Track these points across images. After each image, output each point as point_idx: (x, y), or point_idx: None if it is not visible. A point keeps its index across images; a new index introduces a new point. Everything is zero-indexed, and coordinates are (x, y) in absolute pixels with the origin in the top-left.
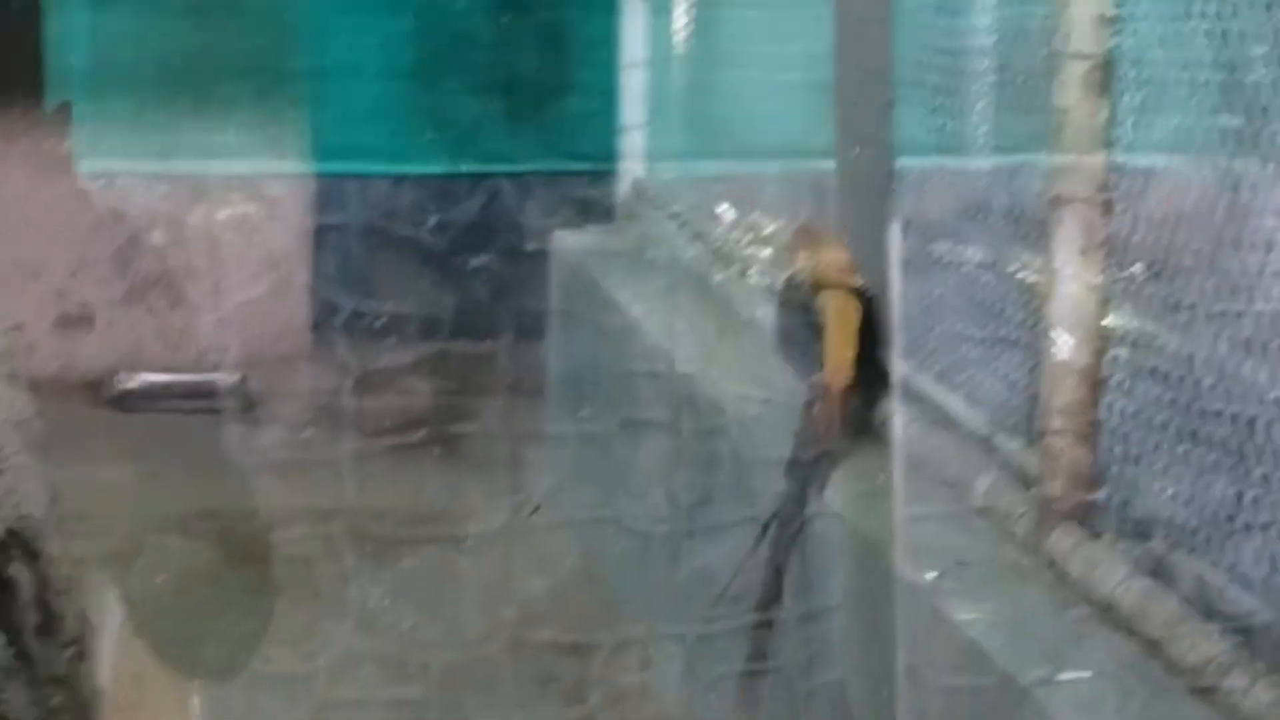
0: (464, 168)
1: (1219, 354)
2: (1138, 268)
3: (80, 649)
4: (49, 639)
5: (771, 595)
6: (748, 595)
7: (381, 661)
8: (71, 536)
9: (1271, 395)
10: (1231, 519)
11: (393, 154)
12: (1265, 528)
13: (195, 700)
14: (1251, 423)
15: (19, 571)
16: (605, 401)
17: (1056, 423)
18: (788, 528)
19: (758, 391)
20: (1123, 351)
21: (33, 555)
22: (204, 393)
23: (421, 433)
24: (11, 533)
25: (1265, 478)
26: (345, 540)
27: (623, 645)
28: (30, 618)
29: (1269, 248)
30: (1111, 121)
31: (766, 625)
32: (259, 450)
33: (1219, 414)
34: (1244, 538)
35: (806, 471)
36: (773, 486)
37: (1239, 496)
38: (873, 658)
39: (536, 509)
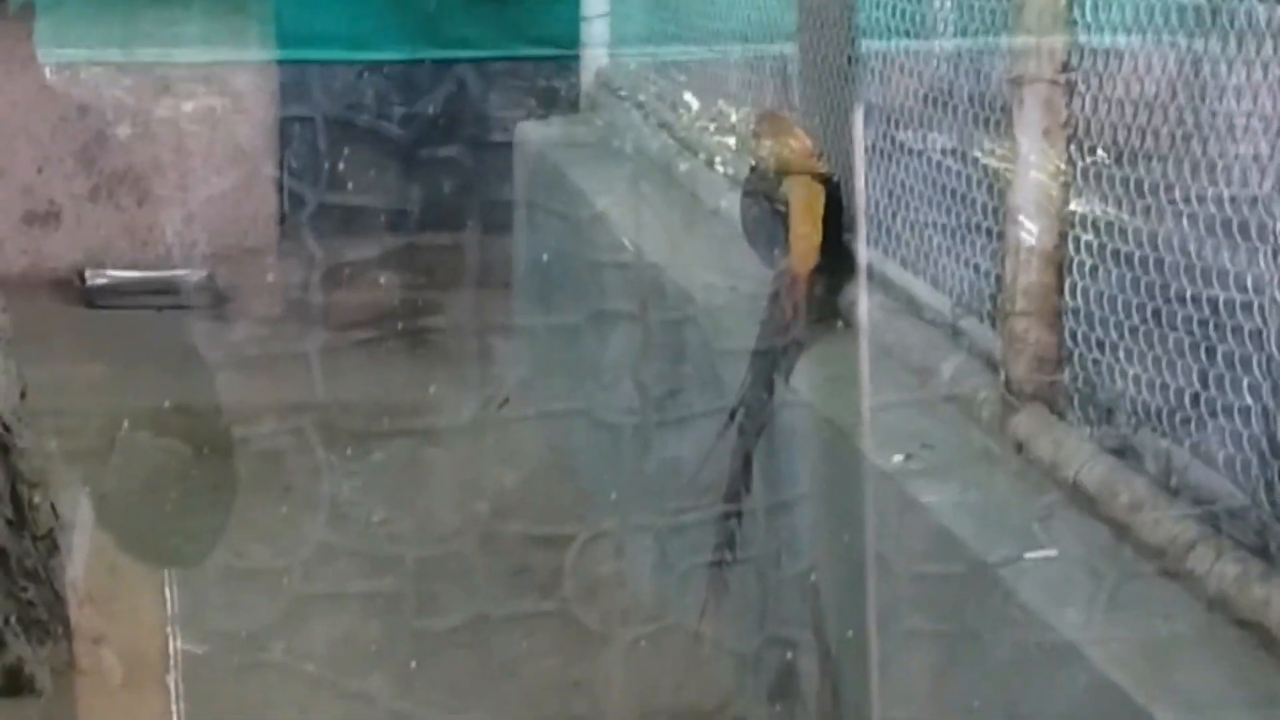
0: (427, 55)
1: (1184, 237)
2: (1100, 151)
3: (52, 542)
4: (21, 532)
5: (740, 484)
6: (716, 485)
7: (355, 555)
8: (43, 432)
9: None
10: (1196, 400)
11: (356, 41)
12: (1229, 409)
13: (169, 594)
14: (1215, 304)
15: None
16: (573, 293)
17: (1020, 305)
18: (754, 416)
19: (725, 280)
20: (1087, 235)
21: (3, 449)
22: (172, 289)
23: (390, 326)
24: None
25: (1229, 357)
26: (315, 434)
27: (595, 537)
28: (3, 511)
29: (1231, 130)
30: (1073, 1)
31: (735, 515)
32: (228, 345)
33: (1183, 297)
34: (1209, 418)
35: (772, 359)
36: (741, 375)
37: (1204, 377)
38: (842, 544)
39: (506, 401)
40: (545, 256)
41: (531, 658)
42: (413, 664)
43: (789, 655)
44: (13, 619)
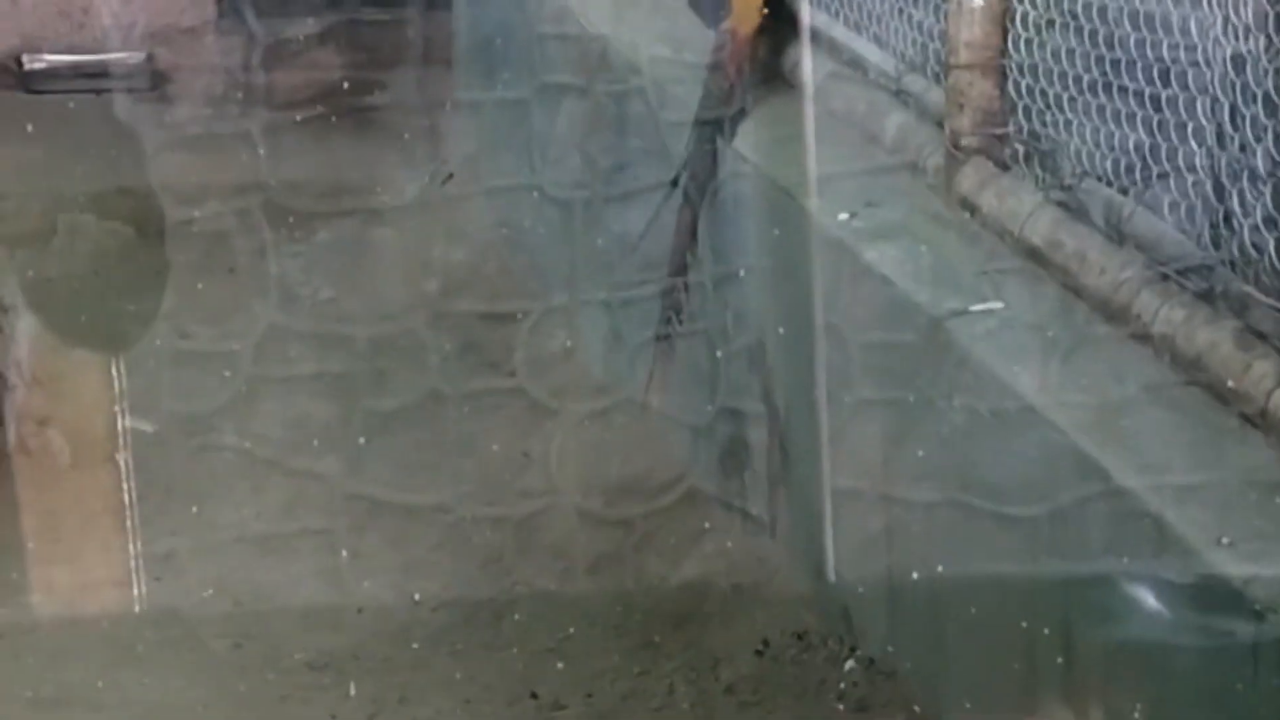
0: None
1: None
2: None
3: None
4: None
5: (686, 253)
6: (663, 256)
7: (303, 335)
8: None
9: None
10: (1140, 149)
11: None
12: (1174, 157)
13: (116, 376)
14: (1160, 51)
15: None
16: (517, 67)
17: (964, 58)
18: (699, 182)
19: (670, 49)
20: None
21: None
22: (111, 71)
23: (333, 105)
24: None
25: (1173, 104)
26: (260, 214)
27: (545, 312)
28: None
29: None
30: None
31: (683, 285)
32: (169, 127)
33: (1127, 44)
34: (1154, 166)
35: (716, 124)
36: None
37: (1148, 125)
38: (790, 309)
39: (450, 177)
40: (488, 30)
41: (482, 434)
42: (364, 442)
43: (739, 425)
44: None
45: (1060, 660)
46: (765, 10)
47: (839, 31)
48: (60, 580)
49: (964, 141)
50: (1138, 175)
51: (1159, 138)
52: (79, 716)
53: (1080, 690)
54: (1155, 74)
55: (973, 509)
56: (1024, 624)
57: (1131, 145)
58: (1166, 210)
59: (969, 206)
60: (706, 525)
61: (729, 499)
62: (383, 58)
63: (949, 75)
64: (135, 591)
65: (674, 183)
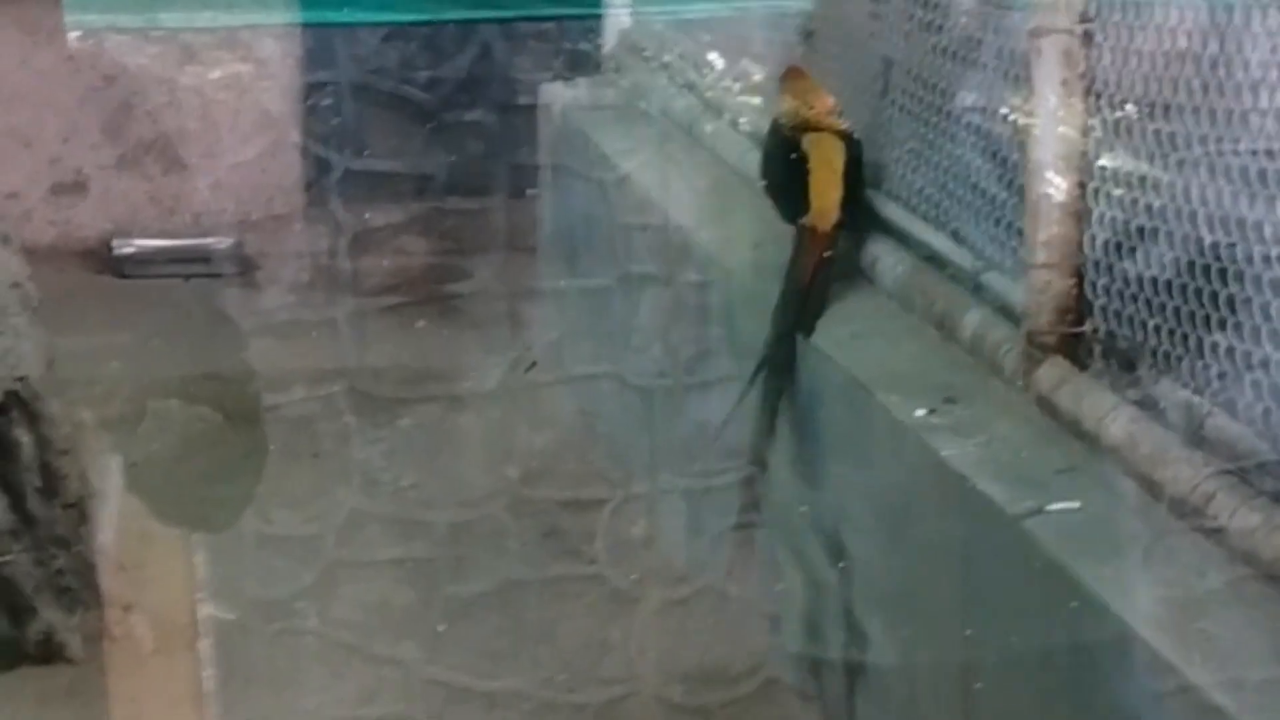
0: (450, 16)
1: (1206, 188)
2: (1121, 103)
3: (82, 510)
4: (51, 500)
5: (765, 443)
6: (742, 445)
7: (385, 521)
8: (72, 401)
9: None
10: (1217, 350)
11: (380, 3)
12: (1249, 359)
13: (200, 561)
14: (1236, 254)
15: (19, 433)
16: (599, 256)
17: (1042, 257)
18: (778, 374)
19: (749, 241)
20: (1107, 186)
21: (32, 417)
22: (200, 256)
23: (417, 292)
24: (11, 394)
25: (1249, 306)
26: (345, 400)
27: (624, 500)
28: (32, 479)
29: (1255, 84)
30: None
31: (761, 474)
32: (256, 312)
33: (1204, 247)
34: (1231, 368)
35: (795, 316)
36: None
37: (1225, 327)
38: (866, 500)
39: (533, 365)
40: (571, 219)
41: (562, 620)
42: (443, 628)
43: (816, 610)
44: (43, 587)
45: None
46: (844, 207)
47: (917, 226)
48: None
49: (1041, 339)
50: (1215, 377)
51: (1235, 339)
52: None
53: None
54: (1233, 276)
55: (1046, 698)
56: None
57: (1208, 347)
58: (1243, 412)
59: (1047, 405)
60: (784, 715)
61: (807, 689)
62: (467, 245)
63: (1027, 274)
64: None
65: (754, 375)
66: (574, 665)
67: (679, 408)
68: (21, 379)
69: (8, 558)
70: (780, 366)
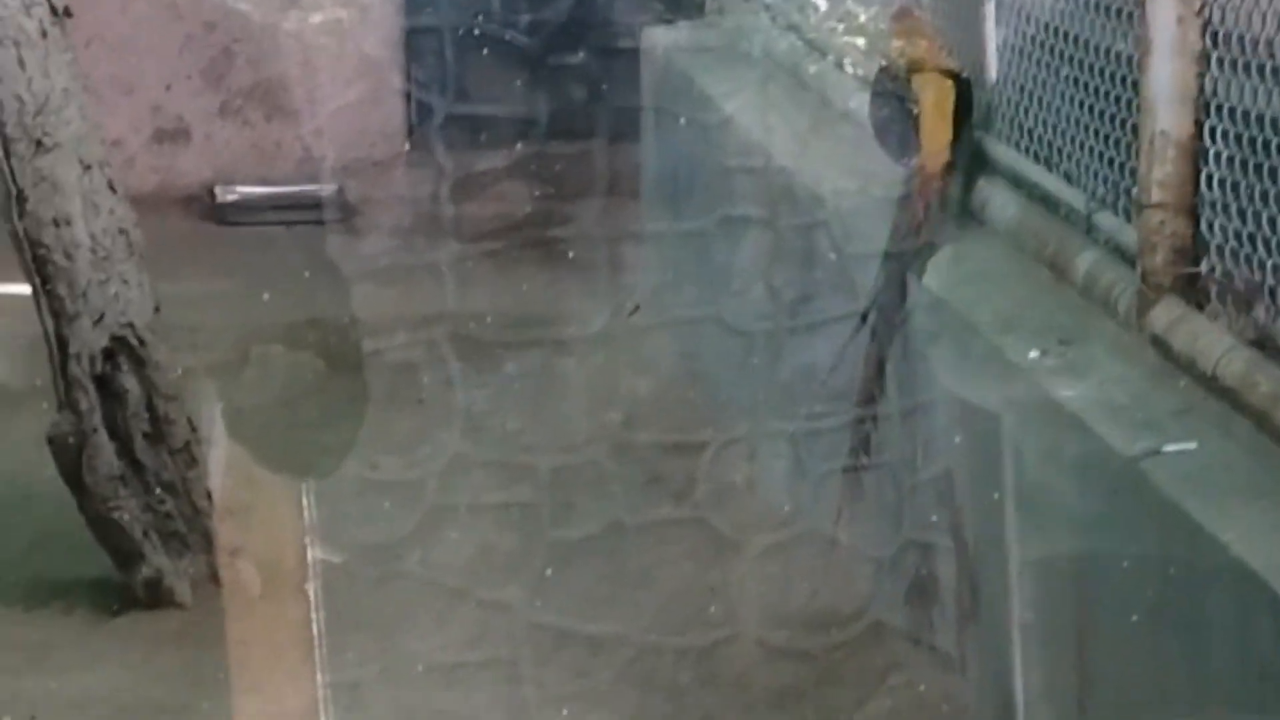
0: None
1: None
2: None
3: (190, 455)
4: (158, 445)
5: (874, 387)
6: (850, 389)
7: (489, 465)
8: (178, 348)
9: None
10: None
11: None
12: None
13: (306, 506)
14: None
15: (126, 379)
16: (703, 199)
17: (1156, 197)
18: (888, 317)
19: (856, 182)
20: (1223, 124)
21: (139, 363)
22: (302, 203)
23: (520, 237)
24: (118, 340)
25: None
26: (448, 346)
27: (728, 443)
28: (140, 425)
29: None
30: None
31: (870, 418)
32: (359, 259)
33: None
34: None
35: (905, 259)
36: (873, 277)
37: None
38: (979, 444)
39: (636, 309)
40: (673, 162)
41: (666, 565)
42: (548, 572)
43: (926, 559)
44: (151, 532)
45: None
46: (953, 147)
47: (1028, 167)
48: (250, 710)
49: (1156, 280)
50: None
51: None
52: None
53: None
54: None
55: (1164, 656)
56: None
57: None
58: None
59: (1162, 346)
60: (893, 661)
61: (917, 635)
62: (569, 190)
63: (1141, 214)
64: None
65: (863, 317)
66: (677, 610)
67: (782, 351)
68: (129, 325)
69: (118, 503)
70: (889, 307)
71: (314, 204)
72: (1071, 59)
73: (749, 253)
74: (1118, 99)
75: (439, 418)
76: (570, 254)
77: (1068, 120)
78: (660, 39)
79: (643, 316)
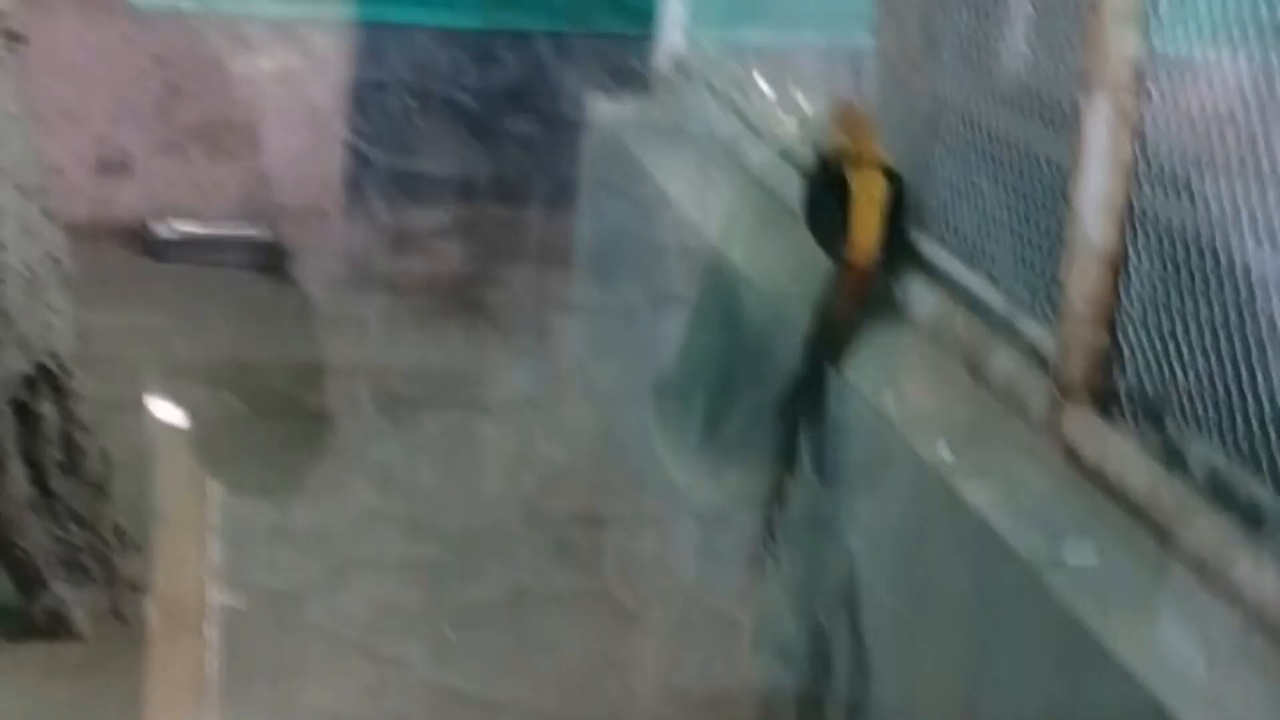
0: (504, 23)
1: (1242, 246)
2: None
3: (101, 488)
4: (72, 476)
5: (785, 471)
6: (762, 471)
7: (399, 521)
8: (100, 379)
9: None
10: (1245, 405)
11: (435, 5)
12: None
13: (213, 548)
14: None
15: (45, 407)
16: (634, 274)
17: (1077, 305)
18: (803, 403)
19: (784, 268)
20: (1146, 237)
21: (59, 392)
22: (237, 245)
23: (450, 296)
24: (41, 368)
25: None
26: (368, 398)
27: (638, 519)
28: (55, 453)
29: None
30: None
31: (777, 504)
32: (289, 306)
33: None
34: (1258, 426)
35: (826, 347)
36: (792, 364)
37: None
38: (884, 536)
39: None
40: (608, 236)
41: (567, 634)
42: (450, 633)
43: (824, 648)
44: (56, 561)
45: None
46: (884, 244)
47: (953, 265)
48: None
49: (1071, 388)
50: (1239, 432)
51: (1264, 397)
52: None
53: None
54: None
55: None
56: None
57: (1234, 401)
58: (1267, 471)
59: (1072, 454)
60: None
61: (810, 716)
62: (503, 253)
63: (1061, 321)
64: None
65: (781, 403)
66: (577, 681)
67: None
68: (53, 354)
69: (27, 531)
70: (807, 396)
71: (249, 247)
72: (1004, 162)
73: (676, 329)
74: (1046, 205)
75: (353, 469)
76: (499, 318)
77: (995, 222)
78: (605, 112)
79: (564, 386)
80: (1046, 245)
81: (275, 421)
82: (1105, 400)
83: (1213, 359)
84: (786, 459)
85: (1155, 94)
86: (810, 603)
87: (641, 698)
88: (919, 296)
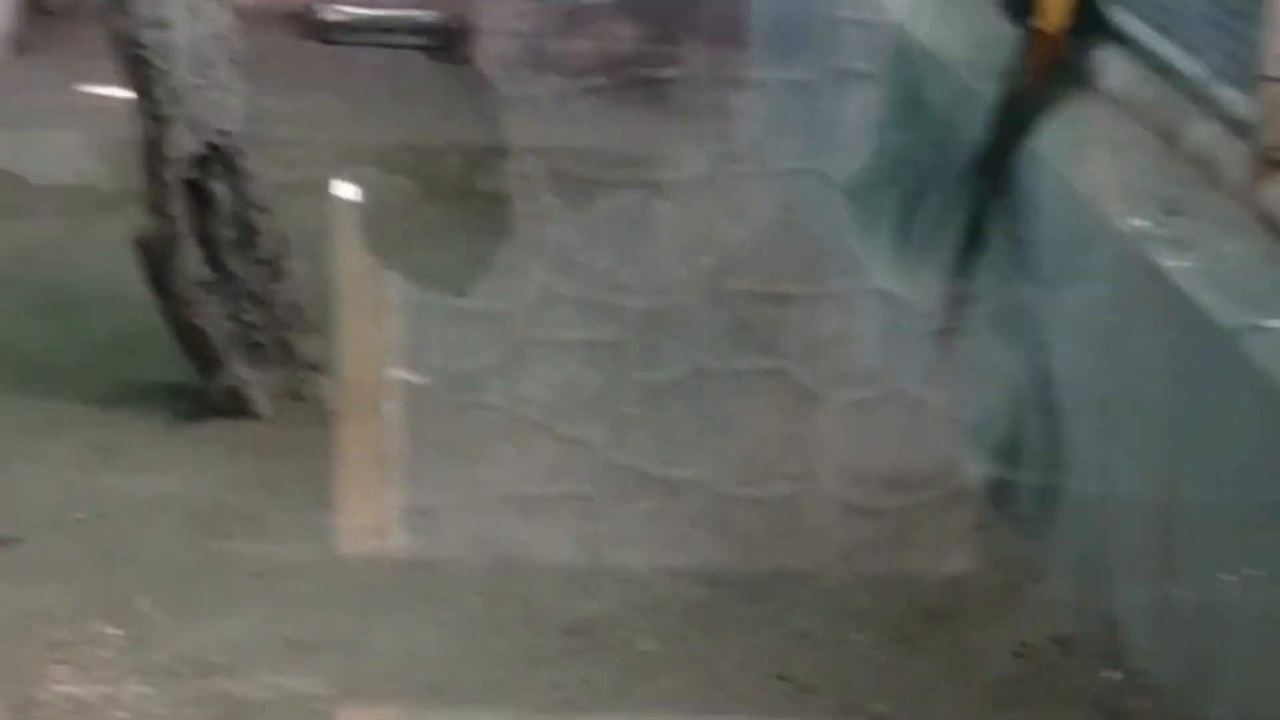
0: None
1: None
2: None
3: (277, 268)
4: (245, 254)
5: (974, 248)
6: (950, 248)
7: (578, 302)
8: (273, 162)
9: None
10: None
11: None
12: None
13: (392, 328)
14: None
15: (218, 186)
16: (811, 50)
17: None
18: (993, 177)
19: (970, 42)
20: None
21: (232, 171)
22: (406, 28)
23: (625, 76)
24: (212, 147)
25: None
26: (545, 180)
27: (820, 298)
28: (228, 232)
29: None
30: None
31: (967, 279)
32: (459, 87)
33: None
34: None
35: (1015, 119)
36: (980, 137)
37: None
38: (1079, 311)
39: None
40: (784, 10)
41: (747, 414)
42: (630, 413)
43: (1017, 425)
44: (233, 341)
45: None
46: (1073, 11)
47: (1146, 34)
48: (324, 524)
49: (1271, 155)
50: None
51: None
52: (334, 660)
53: None
54: None
55: (1253, 522)
56: None
57: None
58: None
59: (1271, 222)
60: (973, 522)
61: (999, 498)
62: (677, 32)
63: (1262, 87)
64: (396, 541)
65: (968, 176)
66: (755, 459)
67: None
68: (225, 133)
69: (202, 309)
70: (996, 170)
71: (418, 29)
72: None
73: (855, 106)
74: None
75: (530, 250)
76: (674, 97)
77: None
78: None
79: (742, 164)
80: (1245, 7)
81: (451, 204)
82: None
83: None
84: (975, 237)
85: None
86: (1002, 383)
87: (823, 477)
88: (1110, 65)
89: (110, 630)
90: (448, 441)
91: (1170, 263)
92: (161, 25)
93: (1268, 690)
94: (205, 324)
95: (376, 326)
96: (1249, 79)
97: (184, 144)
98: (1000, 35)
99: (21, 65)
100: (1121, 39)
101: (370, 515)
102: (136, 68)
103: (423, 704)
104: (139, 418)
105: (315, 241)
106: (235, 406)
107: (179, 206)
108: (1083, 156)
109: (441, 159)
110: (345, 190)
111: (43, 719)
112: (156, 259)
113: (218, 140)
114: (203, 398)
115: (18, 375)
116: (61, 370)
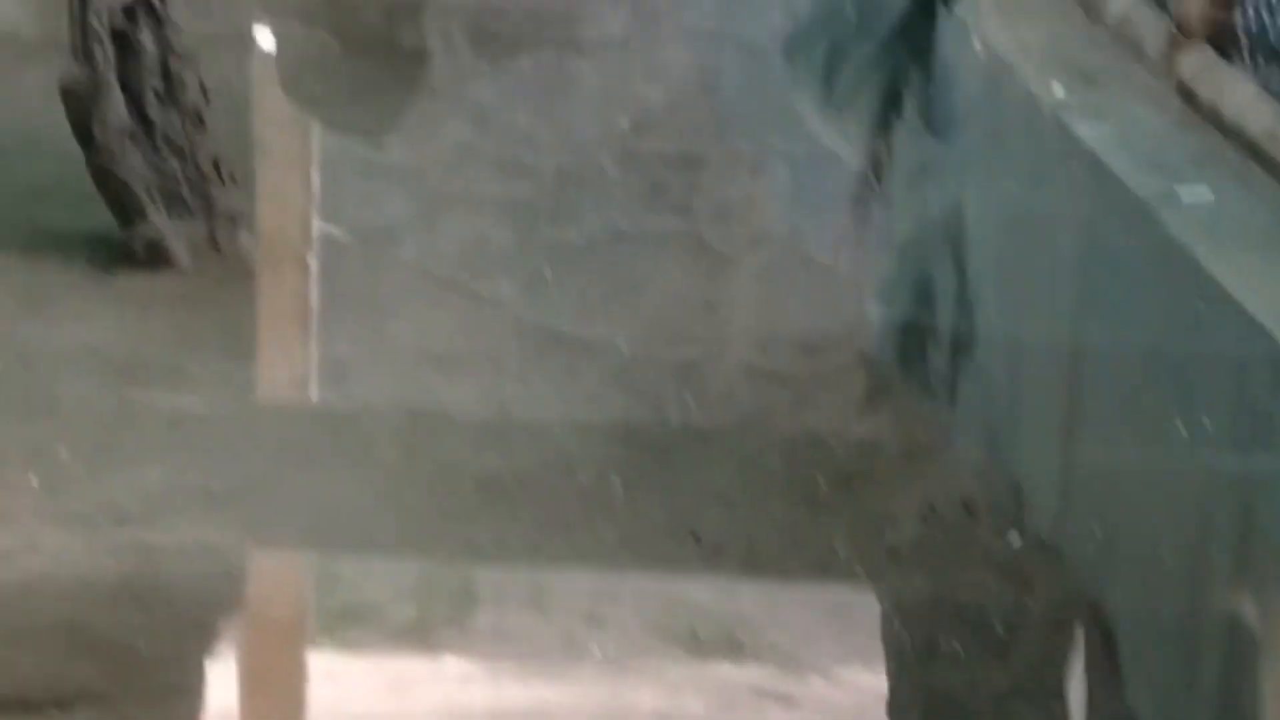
0: None
1: None
2: None
3: (198, 119)
4: (169, 105)
5: (890, 112)
6: (864, 111)
7: (493, 159)
8: (196, 14)
9: None
10: None
11: None
12: None
13: (309, 184)
14: None
15: (143, 35)
16: None
17: None
18: (911, 41)
19: None
20: None
21: (157, 20)
22: None
23: None
24: None
25: None
26: (463, 37)
27: (733, 160)
28: (153, 82)
29: None
30: None
31: (884, 147)
32: None
33: None
34: None
35: None
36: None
37: None
38: (994, 177)
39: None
40: None
41: (658, 276)
42: (543, 272)
43: (926, 291)
44: (155, 191)
45: (1236, 554)
46: None
47: None
48: (241, 376)
49: (1190, 25)
50: None
51: None
52: (249, 510)
53: (1258, 584)
54: None
55: (1156, 388)
56: (1200, 516)
57: None
58: None
59: (1188, 93)
60: (881, 387)
61: (907, 364)
62: None
63: None
64: (310, 393)
65: (886, 41)
66: (669, 321)
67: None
68: None
69: (124, 158)
70: (915, 34)
71: None
72: None
73: None
74: None
75: (448, 107)
76: None
77: None
78: None
79: (658, 25)
80: None
81: (371, 59)
82: (1224, 39)
83: None
84: (893, 101)
85: None
86: (913, 244)
87: (734, 341)
88: None
89: (28, 478)
90: (363, 295)
91: (1087, 130)
92: None
93: (1165, 555)
94: (127, 173)
95: (295, 180)
96: None
97: None
98: None
99: None
100: None
101: (286, 368)
102: None
103: (336, 555)
104: (59, 267)
105: (238, 95)
106: (155, 257)
107: (103, 54)
108: (1005, 23)
109: (362, 13)
110: (268, 44)
111: None
112: (80, 106)
113: None
114: (123, 248)
115: None
116: None
